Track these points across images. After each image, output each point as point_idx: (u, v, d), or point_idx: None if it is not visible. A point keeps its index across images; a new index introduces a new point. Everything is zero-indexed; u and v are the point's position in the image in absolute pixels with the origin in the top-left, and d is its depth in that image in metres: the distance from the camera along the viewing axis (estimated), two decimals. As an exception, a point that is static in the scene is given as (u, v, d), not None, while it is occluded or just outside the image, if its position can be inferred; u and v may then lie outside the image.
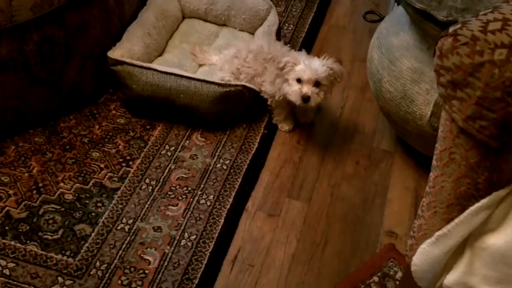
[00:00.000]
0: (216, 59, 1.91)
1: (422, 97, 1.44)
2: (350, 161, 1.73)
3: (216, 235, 1.46)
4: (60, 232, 1.44)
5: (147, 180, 1.60)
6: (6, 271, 1.34)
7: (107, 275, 1.35)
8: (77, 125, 1.76)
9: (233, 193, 1.58)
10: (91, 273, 1.35)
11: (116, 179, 1.59)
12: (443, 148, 0.82)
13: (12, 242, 1.41)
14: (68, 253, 1.39)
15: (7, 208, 1.49)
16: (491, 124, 0.73)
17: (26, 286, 1.32)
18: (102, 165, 1.63)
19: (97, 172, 1.61)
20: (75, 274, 1.35)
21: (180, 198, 1.55)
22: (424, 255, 0.88)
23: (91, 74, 1.80)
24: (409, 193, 1.63)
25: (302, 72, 1.60)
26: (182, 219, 1.50)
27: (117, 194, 1.55)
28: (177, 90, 1.70)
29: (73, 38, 1.68)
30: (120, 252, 1.40)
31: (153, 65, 1.76)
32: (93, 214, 1.49)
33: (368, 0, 2.45)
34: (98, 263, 1.37)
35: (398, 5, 1.59)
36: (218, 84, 1.71)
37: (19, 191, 1.54)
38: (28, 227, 1.45)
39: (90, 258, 1.39)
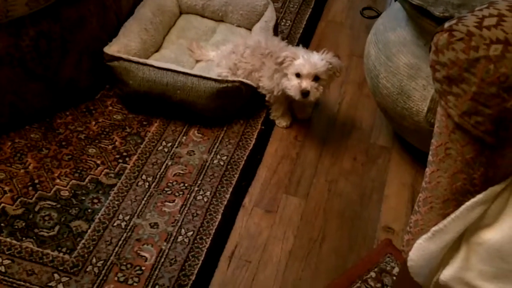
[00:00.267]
0: (213, 55, 1.91)
1: (418, 92, 1.44)
2: (347, 157, 1.73)
3: (213, 231, 1.46)
4: (56, 228, 1.44)
5: (143, 176, 1.59)
6: (2, 268, 1.34)
7: (103, 272, 1.35)
8: (73, 121, 1.75)
9: (230, 189, 1.58)
10: (88, 269, 1.35)
11: (112, 175, 1.59)
12: (439, 143, 0.82)
13: (8, 239, 1.40)
14: (64, 249, 1.39)
15: (2, 204, 1.49)
16: (486, 120, 0.73)
17: (22, 283, 1.32)
18: (98, 161, 1.63)
19: (93, 168, 1.61)
20: (71, 270, 1.35)
21: (177, 194, 1.55)
22: (420, 250, 0.88)
23: (87, 70, 1.79)
24: (406, 189, 1.63)
25: (301, 67, 1.60)
26: (179, 215, 1.49)
27: (113, 190, 1.54)
28: (174, 86, 1.69)
29: (69, 33, 1.67)
30: (116, 248, 1.40)
31: (150, 61, 1.76)
32: (89, 210, 1.49)
33: (365, -5, 2.45)
34: (94, 260, 1.37)
35: (395, 1, 1.58)
36: (215, 80, 1.70)
37: (15, 187, 1.54)
38: (24, 224, 1.44)
39: (86, 255, 1.38)
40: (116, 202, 1.51)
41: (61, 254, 1.38)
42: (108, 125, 1.75)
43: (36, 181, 1.56)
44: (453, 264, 0.83)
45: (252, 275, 1.39)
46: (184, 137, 1.73)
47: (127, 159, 1.64)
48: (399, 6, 1.54)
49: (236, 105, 1.79)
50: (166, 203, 1.53)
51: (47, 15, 1.59)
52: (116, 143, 1.69)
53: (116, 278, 1.34)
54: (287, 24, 2.25)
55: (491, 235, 0.79)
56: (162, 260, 1.38)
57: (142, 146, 1.69)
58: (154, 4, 1.99)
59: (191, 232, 1.45)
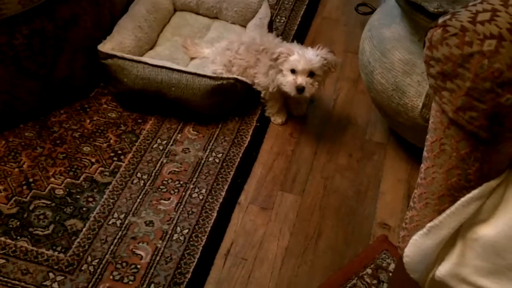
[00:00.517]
0: (208, 52, 1.90)
1: (413, 88, 1.44)
2: (343, 153, 1.73)
3: (209, 229, 1.46)
4: (51, 227, 1.43)
5: (138, 174, 1.59)
6: (-3, 267, 1.34)
7: (98, 271, 1.34)
8: (68, 120, 1.74)
9: (226, 187, 1.57)
10: (83, 268, 1.35)
11: (107, 173, 1.58)
12: (434, 139, 0.82)
13: (2, 238, 1.39)
14: (59, 248, 1.38)
15: (-3, 203, 1.48)
16: (481, 115, 0.73)
17: (17, 282, 1.31)
18: (93, 160, 1.62)
19: (88, 166, 1.60)
20: (67, 269, 1.34)
21: (172, 192, 1.55)
22: (416, 246, 0.88)
23: (81, 68, 1.78)
24: (402, 185, 1.63)
25: (296, 63, 1.59)
26: (174, 213, 1.49)
27: (108, 188, 1.54)
28: (168, 83, 1.69)
29: (63, 31, 1.66)
30: (111, 247, 1.39)
31: (144, 59, 1.75)
32: (84, 209, 1.48)
33: (360, -8, 2.44)
34: (89, 259, 1.37)
35: (390, -4, 1.58)
36: (210, 77, 1.69)
37: (9, 186, 1.53)
38: (18, 223, 1.44)
39: (81, 254, 1.38)
40: (111, 201, 1.51)
41: (56, 253, 1.37)
42: (103, 123, 1.74)
43: (31, 179, 1.55)
44: (449, 260, 0.84)
45: (248, 273, 1.39)
46: (179, 135, 1.72)
47: (122, 157, 1.63)
48: (393, 2, 1.54)
49: (231, 102, 1.79)
50: (162, 201, 1.52)
51: (40, 13, 1.58)
52: (111, 141, 1.68)
53: (111, 277, 1.33)
54: (282, 21, 2.25)
55: (487, 231, 0.79)
56: (158, 258, 1.38)
57: (137, 144, 1.68)
58: (148, 2, 1.98)
59: (187, 230, 1.45)
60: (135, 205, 1.50)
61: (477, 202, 0.80)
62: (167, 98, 1.72)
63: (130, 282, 1.33)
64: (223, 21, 2.11)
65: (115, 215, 1.47)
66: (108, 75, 1.78)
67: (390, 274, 1.33)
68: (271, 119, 1.82)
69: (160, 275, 1.34)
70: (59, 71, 1.71)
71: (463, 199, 0.81)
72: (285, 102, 1.81)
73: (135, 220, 1.47)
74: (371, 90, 1.62)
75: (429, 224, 0.85)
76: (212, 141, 1.71)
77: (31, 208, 1.48)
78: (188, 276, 1.35)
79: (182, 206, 1.51)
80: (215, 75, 1.71)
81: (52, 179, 1.55)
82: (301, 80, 1.59)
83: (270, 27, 2.00)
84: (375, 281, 1.32)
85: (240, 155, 1.68)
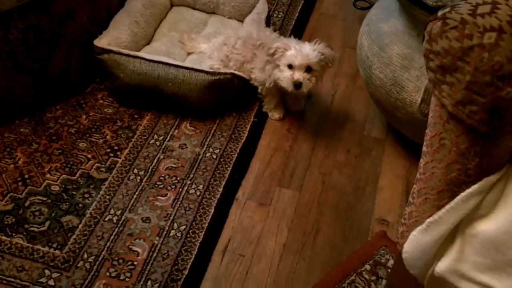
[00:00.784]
0: (204, 47, 1.89)
1: (412, 83, 1.43)
2: (341, 149, 1.72)
3: (206, 225, 1.45)
4: (47, 224, 1.42)
5: (135, 170, 1.58)
6: (-8, 264, 1.32)
7: (95, 267, 1.33)
8: (63, 115, 1.73)
9: (223, 183, 1.57)
10: (79, 265, 1.33)
11: (103, 169, 1.57)
12: (433, 134, 0.82)
13: (-2, 235, 1.39)
14: (55, 245, 1.37)
15: (-8, 200, 1.47)
16: (481, 109, 0.73)
17: (12, 279, 1.30)
18: (89, 156, 1.61)
19: (84, 162, 1.59)
20: (62, 266, 1.33)
21: (169, 188, 1.54)
22: (415, 242, 0.87)
23: (77, 63, 1.77)
24: (400, 181, 1.62)
25: (293, 58, 1.58)
26: (171, 209, 1.48)
27: (104, 184, 1.53)
28: (165, 78, 1.68)
29: (58, 26, 1.65)
30: (108, 243, 1.38)
31: (141, 54, 1.74)
32: (80, 205, 1.47)
33: (358, -14, 2.43)
34: (85, 255, 1.36)
35: (388, -10, 1.57)
36: (207, 72, 1.68)
37: (5, 182, 1.51)
38: (14, 219, 1.42)
39: (77, 250, 1.37)
40: (108, 197, 1.50)
41: (52, 250, 1.36)
42: (99, 118, 1.73)
43: (26, 176, 1.54)
44: (448, 256, 0.83)
45: (246, 269, 1.38)
46: (176, 130, 1.71)
47: (118, 153, 1.62)
48: (392, -4, 1.53)
49: (228, 98, 1.78)
50: (158, 197, 1.51)
51: (35, 8, 1.57)
52: (107, 137, 1.67)
53: (108, 274, 1.32)
54: (280, 16, 2.24)
55: (486, 226, 0.79)
56: (155, 255, 1.37)
57: (133, 139, 1.67)
58: (144, -4, 1.97)
59: (184, 226, 1.44)
60: (131, 202, 1.49)
61: (477, 197, 0.79)
62: (164, 94, 1.71)
63: (127, 279, 1.32)
64: (220, 16, 2.10)
65: (112, 211, 1.46)
66: (104, 70, 1.76)
67: (389, 270, 1.32)
68: (268, 114, 1.81)
69: (157, 271, 1.34)
70: (54, 66, 1.69)
71: (462, 194, 0.80)
72: (282, 97, 1.80)
73: (131, 216, 1.46)
74: (369, 85, 1.61)
75: (428, 220, 0.85)
76: (209, 137, 1.70)
77: (26, 204, 1.47)
78: (185, 272, 1.34)
79: (179, 202, 1.50)
80: (212, 70, 1.70)
81: (48, 175, 1.54)
82: (299, 75, 1.58)
83: (268, 22, 1.99)
84: (373, 277, 1.32)
85: (238, 150, 1.67)
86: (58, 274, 1.31)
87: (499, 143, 0.78)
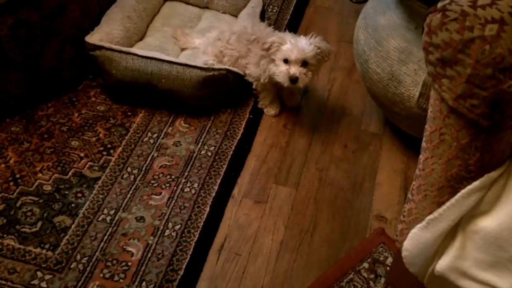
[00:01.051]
0: (198, 42, 1.86)
1: (410, 77, 1.41)
2: (338, 144, 1.70)
3: (201, 224, 1.43)
4: (39, 224, 1.40)
5: (129, 169, 1.55)
6: (-17, 267, 1.30)
7: (88, 268, 1.31)
8: (55, 113, 1.70)
9: (219, 180, 1.54)
10: (72, 266, 1.31)
11: (96, 168, 1.55)
12: (433, 129, 0.81)
13: (-11, 236, 1.36)
14: (47, 246, 1.35)
15: (-17, 201, 1.45)
16: (482, 103, 0.72)
17: (3, 282, 1.28)
18: (82, 154, 1.59)
19: (76, 161, 1.56)
20: (55, 268, 1.31)
21: (163, 186, 1.51)
22: (415, 239, 0.87)
23: (69, 59, 1.75)
24: (398, 176, 1.61)
25: (289, 52, 1.56)
26: (166, 208, 1.46)
27: (97, 183, 1.50)
28: (158, 75, 1.65)
29: (49, 21, 1.62)
30: (101, 244, 1.36)
31: (133, 50, 1.71)
32: (73, 205, 1.45)
33: (354, -20, 2.41)
34: (78, 256, 1.33)
35: (384, -17, 1.55)
36: (201, 68, 1.66)
37: (-4, 183, 1.49)
38: (5, 220, 1.40)
39: (70, 251, 1.34)
40: (101, 196, 1.48)
41: (44, 251, 1.34)
42: (92, 116, 1.70)
43: (18, 175, 1.51)
44: (449, 253, 0.82)
45: (243, 268, 1.36)
46: (170, 128, 1.69)
47: (111, 151, 1.60)
48: (388, -11, 1.50)
49: (223, 94, 1.76)
50: (153, 196, 1.49)
51: (25, 3, 1.55)
52: (100, 135, 1.65)
53: (101, 275, 1.30)
54: (274, 10, 2.21)
55: (488, 223, 0.78)
56: (149, 255, 1.35)
57: (127, 137, 1.65)
58: (137, -9, 1.94)
59: (179, 226, 1.42)
60: (125, 201, 1.47)
61: (478, 193, 0.78)
62: (158, 90, 1.69)
63: (121, 280, 1.29)
64: (214, 10, 2.08)
65: (105, 211, 1.44)
66: (96, 67, 1.74)
67: (388, 268, 1.31)
68: (264, 110, 1.79)
69: (152, 272, 1.31)
70: (46, 62, 1.67)
71: (463, 190, 0.80)
72: (278, 93, 1.78)
73: (125, 216, 1.43)
74: (366, 79, 1.59)
75: (428, 217, 0.84)
76: (204, 134, 1.68)
77: (18, 204, 1.44)
78: (181, 273, 1.32)
79: (174, 201, 1.48)
80: (206, 66, 1.68)
81: (40, 174, 1.52)
82: (295, 70, 1.56)
83: (262, 17, 1.97)
84: (372, 276, 1.30)
85: (233, 147, 1.65)
86: (51, 276, 1.29)
87: (501, 137, 0.76)
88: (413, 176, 0.89)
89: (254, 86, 1.75)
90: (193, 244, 1.38)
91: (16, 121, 1.66)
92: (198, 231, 1.41)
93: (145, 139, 1.65)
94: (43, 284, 1.27)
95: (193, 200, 1.48)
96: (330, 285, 1.28)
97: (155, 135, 1.66)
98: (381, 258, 1.33)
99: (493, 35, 0.68)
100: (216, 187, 1.52)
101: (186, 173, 1.55)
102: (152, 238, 1.38)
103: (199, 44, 1.85)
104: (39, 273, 1.29)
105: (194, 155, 1.61)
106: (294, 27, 2.12)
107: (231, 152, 1.63)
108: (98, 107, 1.74)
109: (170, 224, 1.42)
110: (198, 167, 1.58)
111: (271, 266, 1.37)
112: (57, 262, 1.32)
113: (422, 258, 0.85)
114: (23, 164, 1.54)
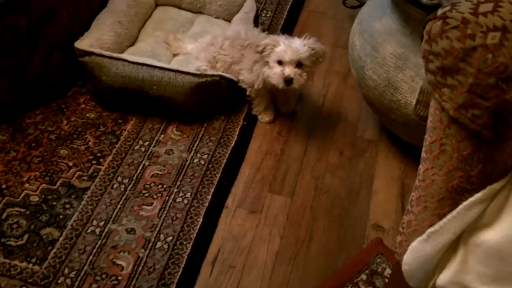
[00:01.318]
0: (191, 47, 1.84)
1: (406, 84, 1.39)
2: (333, 151, 1.68)
3: (194, 235, 1.40)
4: (25, 237, 1.37)
5: (119, 178, 1.52)
6: (-33, 282, 1.27)
7: (76, 283, 1.28)
8: (43, 121, 1.68)
9: (212, 190, 1.52)
10: (59, 281, 1.28)
11: (85, 178, 1.52)
12: (433, 139, 0.79)
13: (-27, 250, 1.33)
14: (34, 260, 1.32)
15: (-32, 212, 1.41)
16: (484, 113, 0.70)
17: (-12, 297, 1.24)
18: (70, 163, 1.56)
19: (65, 171, 1.54)
20: (42, 283, 1.27)
21: (155, 196, 1.49)
22: (415, 253, 0.85)
23: (58, 65, 1.72)
24: (395, 183, 1.58)
25: (283, 53, 1.54)
26: (158, 219, 1.43)
27: (86, 194, 1.48)
28: (150, 81, 1.63)
29: (37, 27, 1.60)
30: (90, 257, 1.33)
31: (124, 56, 1.69)
32: (61, 216, 1.42)
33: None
34: (66, 270, 1.30)
35: (380, -13, 1.53)
36: (194, 75, 1.64)
37: (-19, 193, 1.46)
38: (-10, 233, 1.37)
39: (58, 265, 1.31)
40: (90, 207, 1.45)
41: (30, 265, 1.31)
42: (81, 124, 1.68)
43: (4, 186, 1.48)
44: (450, 267, 0.81)
45: (237, 281, 1.33)
46: (162, 135, 1.66)
47: (101, 160, 1.57)
48: (384, -6, 1.49)
49: (216, 100, 1.74)
50: (144, 206, 1.46)
51: (13, 8, 1.52)
52: (90, 143, 1.62)
53: (90, 289, 1.27)
54: (268, 15, 2.20)
55: (490, 236, 0.76)
56: (140, 268, 1.32)
57: (117, 145, 1.62)
58: (128, -4, 1.91)
59: (171, 237, 1.39)
60: (115, 212, 1.44)
61: (480, 205, 0.77)
62: (149, 97, 1.67)
63: (111, 294, 1.26)
64: (207, 15, 2.06)
65: (94, 222, 1.41)
66: (86, 73, 1.73)
67: (386, 280, 1.28)
68: (258, 117, 1.77)
69: (143, 286, 1.28)
70: (33, 68, 1.65)
71: (465, 203, 0.79)
72: (272, 99, 1.76)
73: (115, 227, 1.40)
74: (362, 86, 1.57)
75: (429, 230, 0.84)
76: (197, 142, 1.65)
77: (3, 216, 1.41)
78: (173, 287, 1.29)
79: (165, 212, 1.45)
80: (198, 72, 1.66)
81: (27, 184, 1.49)
82: (289, 71, 1.54)
83: (256, 22, 1.95)
84: None
85: (227, 155, 1.62)
86: (38, 291, 1.26)
87: (503, 148, 0.75)
88: (411, 184, 0.87)
89: (248, 92, 1.73)
90: (186, 256, 1.35)
91: (3, 129, 1.64)
92: (191, 243, 1.38)
93: (136, 147, 1.62)
94: (30, 300, 1.24)
95: (185, 210, 1.45)
96: (327, 298, 1.25)
97: (147, 143, 1.64)
98: (379, 270, 1.30)
99: (495, 43, 0.67)
100: (209, 197, 1.50)
101: (178, 183, 1.53)
102: (143, 250, 1.35)
103: (192, 50, 1.83)
104: (25, 289, 1.26)
105: (187, 163, 1.58)
106: (288, 32, 2.09)
107: (225, 160, 1.60)
108: (87, 114, 1.71)
109: (161, 236, 1.39)
110: (191, 176, 1.55)
111: (267, 278, 1.34)
112: (44, 277, 1.29)
113: (422, 272, 0.84)
114: (10, 174, 1.51)
